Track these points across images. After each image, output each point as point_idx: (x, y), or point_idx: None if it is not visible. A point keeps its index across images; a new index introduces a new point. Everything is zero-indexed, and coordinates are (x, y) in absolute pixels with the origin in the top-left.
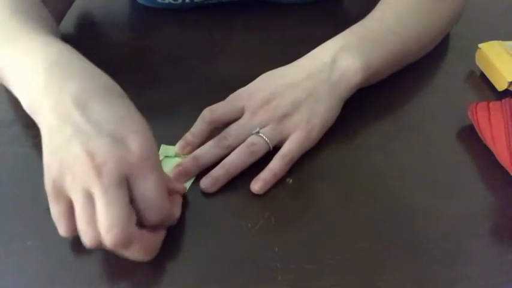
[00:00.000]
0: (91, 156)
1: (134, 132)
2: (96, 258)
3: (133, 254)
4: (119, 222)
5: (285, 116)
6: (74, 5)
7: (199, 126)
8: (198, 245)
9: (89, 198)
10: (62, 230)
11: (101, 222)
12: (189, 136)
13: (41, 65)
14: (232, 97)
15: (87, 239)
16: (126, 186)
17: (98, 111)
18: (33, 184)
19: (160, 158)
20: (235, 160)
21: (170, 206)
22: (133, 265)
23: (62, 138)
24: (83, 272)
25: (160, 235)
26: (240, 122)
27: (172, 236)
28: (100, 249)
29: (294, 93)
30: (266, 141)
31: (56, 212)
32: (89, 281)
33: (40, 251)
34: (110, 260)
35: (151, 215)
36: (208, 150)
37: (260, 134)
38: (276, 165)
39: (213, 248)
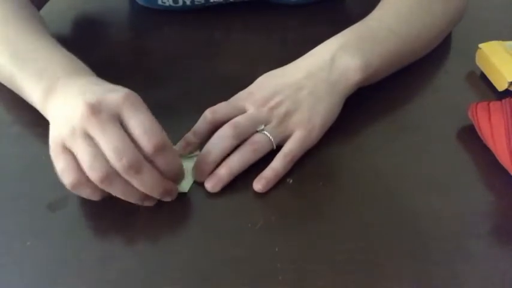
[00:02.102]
0: (87, 103)
1: (124, 89)
2: (97, 258)
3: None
4: (126, 148)
5: (285, 115)
6: (74, 5)
7: (200, 126)
8: (198, 244)
9: (90, 139)
10: (68, 180)
11: (107, 150)
12: (190, 136)
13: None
14: (233, 98)
15: (95, 173)
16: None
17: (98, 87)
18: (33, 184)
19: None
20: (239, 159)
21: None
22: (134, 265)
23: (68, 106)
24: (83, 272)
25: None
26: (245, 114)
27: (173, 236)
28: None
29: (295, 92)
30: (270, 140)
31: (61, 165)
32: (89, 281)
33: (40, 251)
34: (110, 260)
35: (148, 141)
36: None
37: (264, 132)
38: (278, 164)
39: (214, 247)
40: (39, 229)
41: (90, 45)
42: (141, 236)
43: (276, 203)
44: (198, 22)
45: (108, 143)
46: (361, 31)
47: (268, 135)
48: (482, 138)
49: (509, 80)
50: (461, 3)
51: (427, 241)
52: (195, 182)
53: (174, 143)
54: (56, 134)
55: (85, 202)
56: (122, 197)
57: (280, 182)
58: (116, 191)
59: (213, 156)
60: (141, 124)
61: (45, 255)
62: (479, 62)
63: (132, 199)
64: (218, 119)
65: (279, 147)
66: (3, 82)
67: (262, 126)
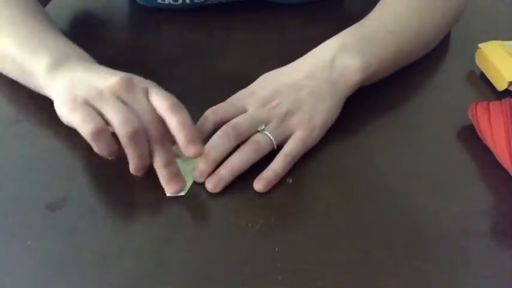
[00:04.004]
0: (121, 76)
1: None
2: (97, 258)
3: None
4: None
5: (286, 115)
6: (74, 5)
7: (200, 126)
8: (198, 244)
9: (121, 101)
10: (91, 127)
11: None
12: None
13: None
14: (233, 98)
15: (128, 127)
16: None
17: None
18: (33, 184)
19: None
20: (241, 159)
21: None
22: (134, 265)
23: (91, 73)
24: (83, 272)
25: None
26: (245, 114)
27: (173, 236)
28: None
29: (295, 92)
30: (271, 140)
31: (81, 114)
32: (89, 281)
33: (40, 251)
34: (110, 260)
35: (167, 100)
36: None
37: (265, 132)
38: (278, 164)
39: (213, 247)
40: (39, 229)
41: (90, 45)
42: (141, 236)
43: (276, 203)
44: (198, 22)
45: (144, 110)
46: (361, 32)
47: (269, 135)
48: (482, 138)
49: (509, 80)
50: (459, 3)
51: (426, 241)
52: (194, 182)
53: (175, 143)
54: (75, 93)
55: (85, 202)
56: (137, 158)
57: (280, 182)
58: (139, 149)
59: (213, 157)
60: (158, 94)
61: (45, 255)
62: (479, 62)
63: (140, 162)
64: (219, 119)
65: (279, 147)
66: (4, 65)
67: (263, 126)
